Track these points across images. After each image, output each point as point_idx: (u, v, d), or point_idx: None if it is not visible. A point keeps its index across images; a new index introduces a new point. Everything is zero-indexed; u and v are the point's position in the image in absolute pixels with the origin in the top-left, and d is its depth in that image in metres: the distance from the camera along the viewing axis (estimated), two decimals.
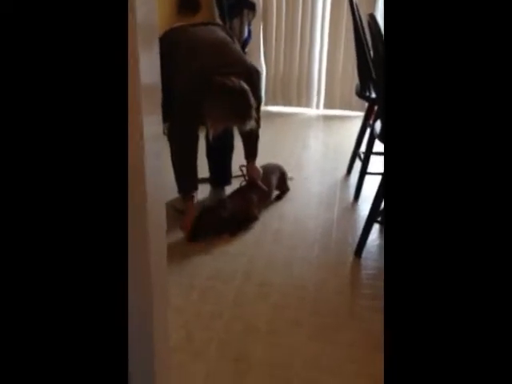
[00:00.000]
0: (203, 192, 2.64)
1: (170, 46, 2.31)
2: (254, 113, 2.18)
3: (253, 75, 2.29)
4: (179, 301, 1.89)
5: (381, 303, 1.88)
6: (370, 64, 2.46)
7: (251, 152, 2.53)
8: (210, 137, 2.32)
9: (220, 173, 2.72)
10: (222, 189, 2.72)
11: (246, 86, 2.16)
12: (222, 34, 2.42)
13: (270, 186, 2.62)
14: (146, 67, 0.72)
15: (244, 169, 2.58)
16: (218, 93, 2.14)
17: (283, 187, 2.74)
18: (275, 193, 2.71)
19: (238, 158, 2.63)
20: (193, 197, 2.41)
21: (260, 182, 2.54)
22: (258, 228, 2.44)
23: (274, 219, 2.53)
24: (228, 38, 2.40)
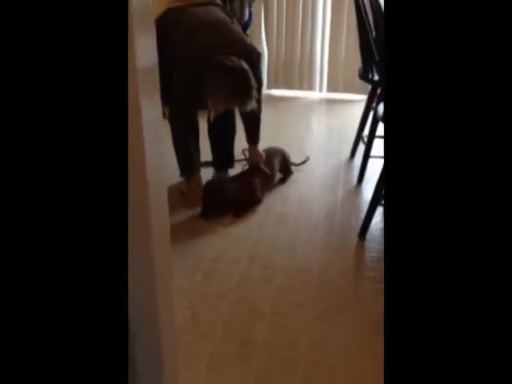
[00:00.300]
0: (207, 175, 2.65)
1: (169, 26, 2.29)
2: (254, 93, 2.17)
3: (253, 55, 2.28)
4: (184, 282, 1.91)
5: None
6: (373, 45, 2.44)
7: (253, 136, 2.52)
8: (211, 117, 2.32)
9: (222, 155, 2.72)
10: (226, 172, 2.73)
11: (246, 66, 2.15)
12: (220, 14, 2.40)
13: (273, 169, 2.62)
14: (143, 49, 0.71)
15: (247, 152, 2.58)
16: (218, 73, 2.13)
17: (286, 171, 2.74)
18: (278, 176, 2.71)
19: (242, 143, 2.63)
20: (197, 174, 2.42)
21: (263, 166, 2.54)
22: (261, 211, 2.45)
23: (277, 202, 2.53)
24: (227, 19, 2.38)
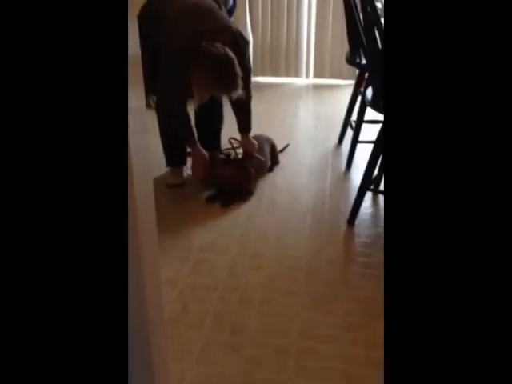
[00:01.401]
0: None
1: (156, 12, 2.26)
2: (239, 81, 2.15)
3: (240, 43, 2.25)
4: (173, 274, 1.89)
5: (375, 271, 1.89)
6: (360, 29, 2.42)
7: (244, 125, 2.50)
8: (195, 105, 2.30)
9: (209, 143, 2.69)
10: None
11: (231, 55, 2.12)
12: (208, 0, 2.37)
13: (266, 157, 2.60)
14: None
15: (234, 141, 2.56)
16: (202, 61, 2.10)
17: (273, 160, 2.72)
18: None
19: (229, 133, 2.60)
20: (197, 146, 2.41)
21: (257, 154, 2.53)
22: (250, 200, 2.44)
23: (266, 190, 2.52)
24: (214, 4, 2.35)
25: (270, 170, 2.70)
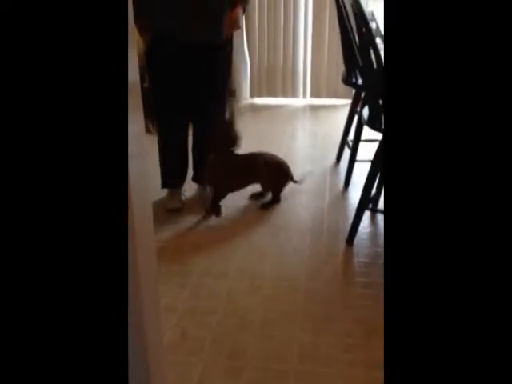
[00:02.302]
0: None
1: None
2: None
3: None
4: (171, 300, 1.87)
5: (374, 291, 1.88)
6: (356, 49, 2.44)
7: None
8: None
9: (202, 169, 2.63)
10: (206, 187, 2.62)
11: None
12: None
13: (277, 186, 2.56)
14: None
15: None
16: None
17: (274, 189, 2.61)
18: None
19: None
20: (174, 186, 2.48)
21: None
22: (249, 220, 2.43)
23: (265, 210, 2.51)
24: None
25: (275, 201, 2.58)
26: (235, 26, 2.26)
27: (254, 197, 2.59)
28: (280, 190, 2.56)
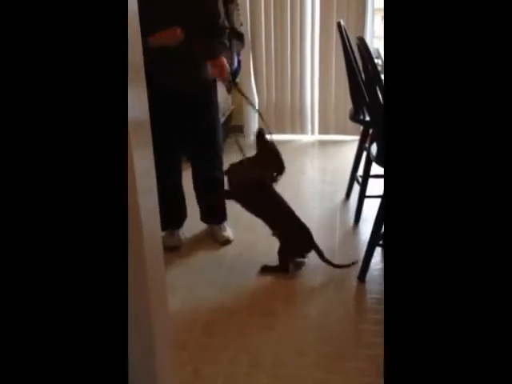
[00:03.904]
0: (202, 226, 2.63)
1: None
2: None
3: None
4: (183, 336, 1.85)
5: None
6: (362, 87, 2.47)
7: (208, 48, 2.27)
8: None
9: (210, 209, 2.60)
10: (218, 223, 2.59)
11: None
12: None
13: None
14: (134, 101, 0.71)
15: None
16: None
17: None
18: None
19: None
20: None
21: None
22: (259, 257, 2.41)
23: (275, 246, 2.49)
24: None
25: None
26: (222, 72, 2.25)
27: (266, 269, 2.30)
28: (293, 256, 2.30)
